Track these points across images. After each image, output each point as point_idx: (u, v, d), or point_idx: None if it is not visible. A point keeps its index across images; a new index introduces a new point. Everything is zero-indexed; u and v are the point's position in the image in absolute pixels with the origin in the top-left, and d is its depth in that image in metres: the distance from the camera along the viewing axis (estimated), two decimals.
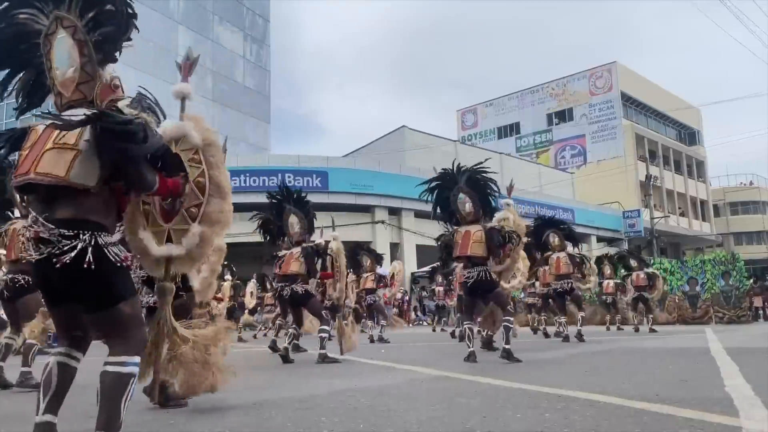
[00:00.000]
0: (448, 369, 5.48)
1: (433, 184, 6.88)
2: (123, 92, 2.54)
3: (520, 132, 48.98)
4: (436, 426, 2.95)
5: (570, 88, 46.37)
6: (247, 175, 23.07)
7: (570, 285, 9.66)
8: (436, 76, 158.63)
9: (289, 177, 24.40)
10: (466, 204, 6.52)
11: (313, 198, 7.39)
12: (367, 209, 25.68)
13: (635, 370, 5.29)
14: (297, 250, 6.98)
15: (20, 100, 2.58)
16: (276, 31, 74.87)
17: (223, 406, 3.72)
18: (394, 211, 26.76)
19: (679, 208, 44.45)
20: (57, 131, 2.27)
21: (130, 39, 2.56)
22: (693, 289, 16.00)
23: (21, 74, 2.56)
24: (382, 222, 25.55)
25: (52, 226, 2.18)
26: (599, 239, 35.91)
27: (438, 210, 6.89)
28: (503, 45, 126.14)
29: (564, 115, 46.69)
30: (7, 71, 2.56)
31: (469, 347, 6.33)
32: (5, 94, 2.58)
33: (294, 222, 7.02)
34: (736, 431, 2.60)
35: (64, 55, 2.42)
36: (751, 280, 17.82)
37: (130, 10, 2.50)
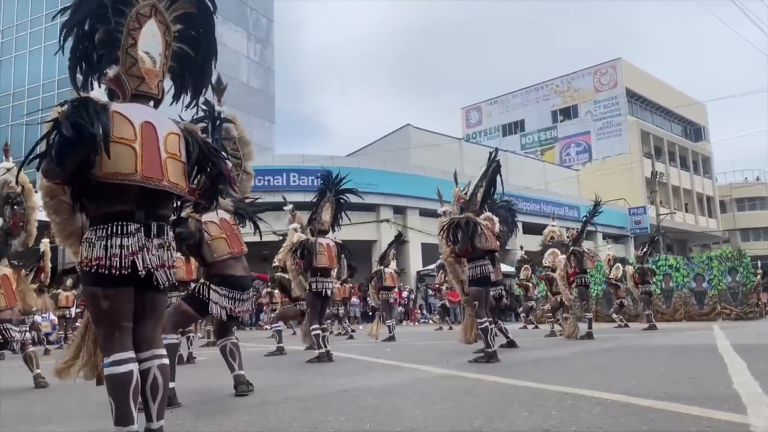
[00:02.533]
0: (454, 368, 5.47)
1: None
2: None
3: (524, 129, 48.88)
4: (442, 424, 2.94)
5: (574, 85, 46.24)
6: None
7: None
8: (439, 77, 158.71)
9: (293, 176, 24.45)
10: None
11: None
12: (371, 208, 25.66)
13: (642, 368, 5.27)
14: (331, 244, 6.81)
15: (80, 60, 2.36)
16: (279, 32, 74.93)
17: (228, 406, 3.73)
18: (399, 210, 26.77)
19: (686, 204, 44.26)
20: (165, 134, 2.33)
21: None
22: (700, 286, 15.94)
23: (88, 24, 2.33)
24: (387, 221, 25.54)
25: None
26: (605, 236, 35.78)
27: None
28: (506, 46, 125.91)
29: (569, 112, 46.56)
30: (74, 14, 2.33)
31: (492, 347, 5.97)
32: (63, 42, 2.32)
33: (327, 211, 6.82)
34: (744, 428, 2.58)
35: (154, 45, 2.40)
36: (758, 276, 17.69)
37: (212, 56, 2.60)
